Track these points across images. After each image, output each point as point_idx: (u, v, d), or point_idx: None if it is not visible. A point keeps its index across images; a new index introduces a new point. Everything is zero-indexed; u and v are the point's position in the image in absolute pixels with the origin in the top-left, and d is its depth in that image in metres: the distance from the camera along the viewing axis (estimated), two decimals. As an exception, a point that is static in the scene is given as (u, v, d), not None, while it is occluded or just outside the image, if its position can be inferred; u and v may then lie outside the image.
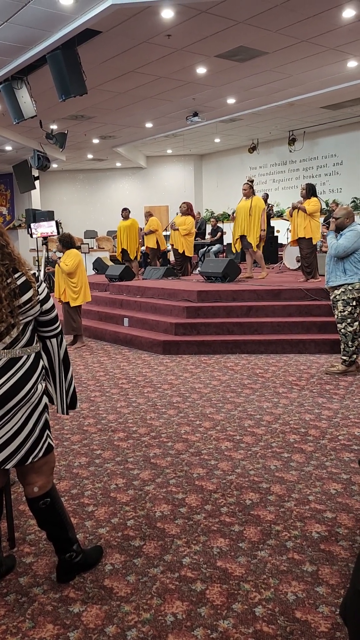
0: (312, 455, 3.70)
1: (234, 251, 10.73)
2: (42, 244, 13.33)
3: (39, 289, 2.25)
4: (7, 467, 2.23)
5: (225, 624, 2.13)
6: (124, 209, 11.72)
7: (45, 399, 2.33)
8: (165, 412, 4.72)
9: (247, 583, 2.37)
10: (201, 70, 9.31)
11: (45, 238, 13.83)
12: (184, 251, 10.81)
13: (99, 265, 14.90)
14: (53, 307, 2.35)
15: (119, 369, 6.38)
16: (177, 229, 10.52)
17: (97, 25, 7.11)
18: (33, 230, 13.80)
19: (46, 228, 13.94)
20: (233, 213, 9.17)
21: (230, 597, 2.28)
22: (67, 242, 7.42)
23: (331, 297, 5.71)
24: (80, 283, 7.40)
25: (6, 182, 18.93)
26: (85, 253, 15.53)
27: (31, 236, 12.79)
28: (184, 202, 10.91)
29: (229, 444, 3.95)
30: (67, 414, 2.54)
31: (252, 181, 9.70)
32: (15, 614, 2.22)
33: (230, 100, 11.46)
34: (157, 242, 11.76)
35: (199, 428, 4.30)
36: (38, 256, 13.66)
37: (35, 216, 13.67)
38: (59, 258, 7.63)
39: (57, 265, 7.53)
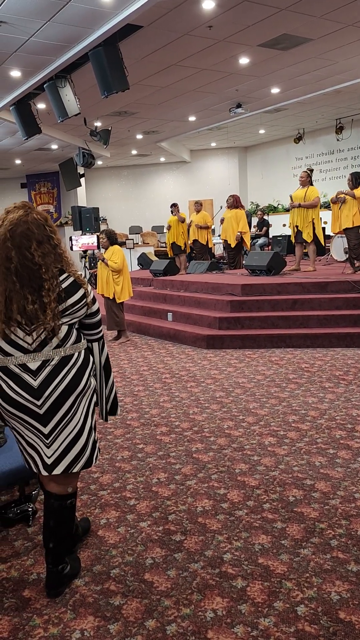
0: (358, 452, 3.60)
1: (293, 241, 10.33)
2: (81, 258, 13.30)
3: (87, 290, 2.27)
4: (75, 469, 2.24)
5: (266, 622, 2.09)
6: (175, 205, 11.65)
7: (95, 398, 2.36)
8: (208, 406, 4.70)
9: (290, 581, 2.32)
10: (244, 60, 9.17)
11: (85, 251, 13.85)
12: (237, 244, 10.69)
13: (143, 261, 15.00)
14: (98, 310, 2.36)
15: (162, 363, 6.39)
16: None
17: (137, 20, 7.10)
18: (74, 243, 13.82)
19: (87, 239, 13.90)
20: (291, 201, 8.96)
21: (271, 595, 2.24)
22: (114, 238, 7.56)
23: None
24: (125, 279, 7.49)
25: (52, 180, 19.27)
26: (130, 248, 15.65)
27: (71, 249, 12.66)
28: (230, 196, 10.79)
29: (272, 440, 3.89)
30: (107, 420, 2.56)
31: (311, 170, 9.41)
32: (57, 604, 2.25)
33: (275, 90, 11.24)
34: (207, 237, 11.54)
35: (242, 423, 4.25)
36: (86, 254, 13.81)
37: (81, 213, 13.88)
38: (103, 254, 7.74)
39: (99, 261, 7.64)
